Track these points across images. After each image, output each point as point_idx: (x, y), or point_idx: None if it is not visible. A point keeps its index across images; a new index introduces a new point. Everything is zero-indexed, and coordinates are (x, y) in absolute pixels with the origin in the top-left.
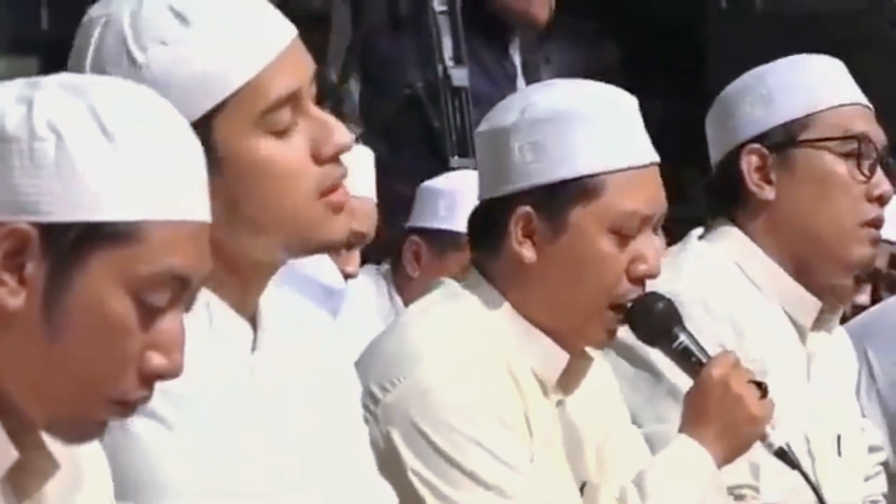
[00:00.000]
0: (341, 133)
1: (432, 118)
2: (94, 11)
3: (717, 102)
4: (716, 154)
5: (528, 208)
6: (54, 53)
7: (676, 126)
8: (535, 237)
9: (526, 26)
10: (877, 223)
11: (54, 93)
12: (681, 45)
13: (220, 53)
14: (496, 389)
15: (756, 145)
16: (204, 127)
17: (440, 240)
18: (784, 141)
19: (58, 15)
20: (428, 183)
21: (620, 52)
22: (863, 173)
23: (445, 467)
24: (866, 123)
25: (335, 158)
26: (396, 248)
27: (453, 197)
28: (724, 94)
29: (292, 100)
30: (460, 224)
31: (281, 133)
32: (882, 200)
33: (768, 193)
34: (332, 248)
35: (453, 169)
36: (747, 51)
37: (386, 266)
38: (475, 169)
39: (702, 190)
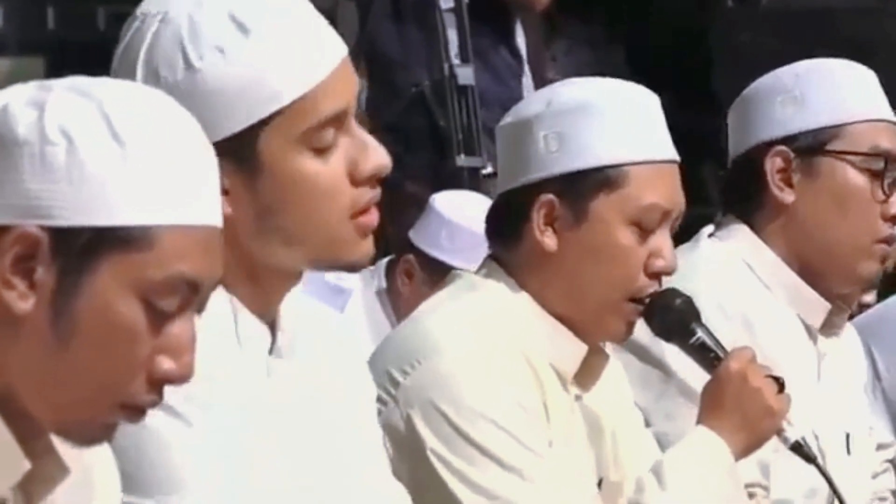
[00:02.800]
0: (379, 155)
1: (438, 117)
2: (148, 6)
3: (747, 95)
4: (736, 146)
5: (551, 196)
6: (61, 54)
7: (684, 125)
8: (556, 225)
9: (526, 9)
10: (889, 241)
11: (65, 97)
12: (687, 45)
13: (275, 68)
14: (515, 375)
15: (783, 147)
16: (249, 137)
17: (436, 268)
18: (811, 147)
19: (64, 15)
20: (439, 202)
21: (626, 51)
22: (884, 192)
23: (465, 448)
24: (893, 141)
25: (371, 179)
26: (395, 251)
27: (455, 232)
28: (755, 88)
29: (338, 119)
30: (458, 260)
31: (322, 151)
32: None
33: (788, 196)
34: (354, 270)
35: (460, 168)
36: (754, 49)
37: (381, 262)
38: (482, 167)
39: (718, 181)
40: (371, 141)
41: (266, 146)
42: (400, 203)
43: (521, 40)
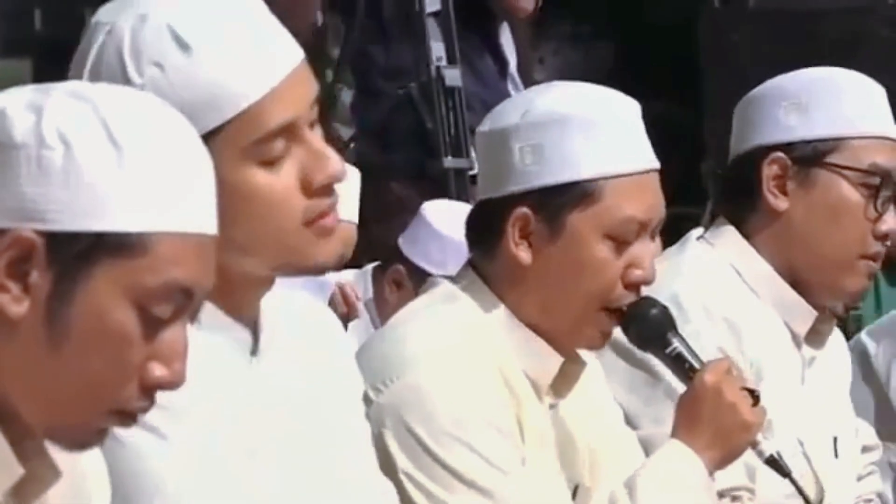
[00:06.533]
0: (334, 164)
1: (426, 118)
2: (102, 15)
3: (752, 96)
4: (736, 146)
5: (525, 210)
6: (48, 55)
7: (670, 126)
8: (531, 239)
9: (511, 17)
10: (876, 258)
11: (64, 101)
12: (674, 46)
13: (215, 83)
14: (488, 393)
15: (780, 154)
16: None
17: (425, 280)
18: (810, 157)
19: (51, 16)
20: (429, 213)
21: (614, 53)
22: (876, 209)
23: (437, 469)
24: (893, 161)
25: (326, 189)
26: (382, 257)
27: (446, 245)
28: (762, 91)
29: (288, 129)
30: (449, 272)
31: (271, 162)
32: (886, 238)
33: (781, 204)
34: (321, 272)
35: (447, 169)
36: (741, 50)
37: (368, 268)
38: (469, 168)
39: (713, 180)
40: (326, 149)
41: (212, 159)
42: (387, 205)
43: (506, 44)
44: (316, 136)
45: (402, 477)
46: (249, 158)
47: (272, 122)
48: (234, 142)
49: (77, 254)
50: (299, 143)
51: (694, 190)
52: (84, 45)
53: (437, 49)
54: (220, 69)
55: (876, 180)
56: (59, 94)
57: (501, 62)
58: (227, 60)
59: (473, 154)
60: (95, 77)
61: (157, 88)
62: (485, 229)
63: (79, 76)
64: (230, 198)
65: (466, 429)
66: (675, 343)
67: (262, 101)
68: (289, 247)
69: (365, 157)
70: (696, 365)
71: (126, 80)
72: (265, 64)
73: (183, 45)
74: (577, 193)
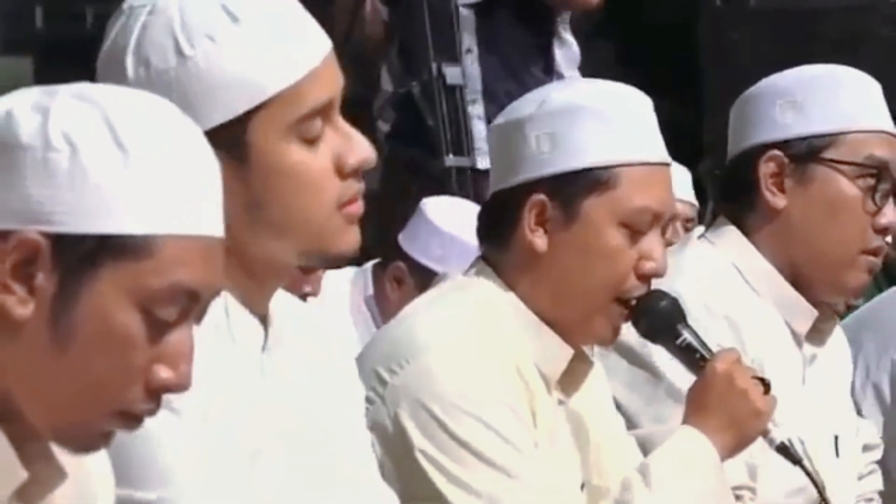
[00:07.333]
0: (364, 148)
1: (426, 116)
2: (134, 0)
3: (748, 95)
4: (733, 145)
5: (542, 196)
6: (48, 53)
7: (670, 126)
8: (547, 226)
9: (575, 11)
10: (877, 253)
11: (70, 103)
12: (674, 45)
13: (266, 57)
14: (502, 375)
15: (777, 152)
16: (239, 126)
17: (427, 276)
18: (806, 154)
19: (52, 15)
20: (430, 209)
21: (614, 52)
22: (875, 203)
23: (452, 446)
24: (889, 153)
25: (356, 172)
26: (382, 254)
27: (447, 242)
28: (757, 89)
29: (325, 110)
30: (450, 269)
31: (311, 141)
32: (886, 232)
33: (779, 201)
34: (344, 260)
35: (448, 168)
36: (741, 50)
37: (368, 266)
38: (470, 166)
39: (712, 180)
40: (355, 134)
41: (255, 136)
42: (388, 203)
43: (559, 57)
44: (345, 123)
45: (419, 455)
46: (292, 136)
47: (315, 100)
48: (278, 118)
49: (82, 256)
50: (331, 126)
51: (694, 189)
52: (120, 28)
53: (440, 45)
54: (270, 44)
55: (873, 174)
56: (65, 96)
57: (550, 76)
58: (277, 36)
59: (475, 152)
60: (140, 54)
61: (209, 60)
62: (499, 220)
63: (116, 59)
64: (267, 176)
65: (481, 406)
66: (685, 334)
67: (306, 78)
68: (320, 230)
69: (394, 152)
70: (707, 355)
71: (178, 53)
72: (308, 42)
73: (234, 19)
74: (592, 179)
